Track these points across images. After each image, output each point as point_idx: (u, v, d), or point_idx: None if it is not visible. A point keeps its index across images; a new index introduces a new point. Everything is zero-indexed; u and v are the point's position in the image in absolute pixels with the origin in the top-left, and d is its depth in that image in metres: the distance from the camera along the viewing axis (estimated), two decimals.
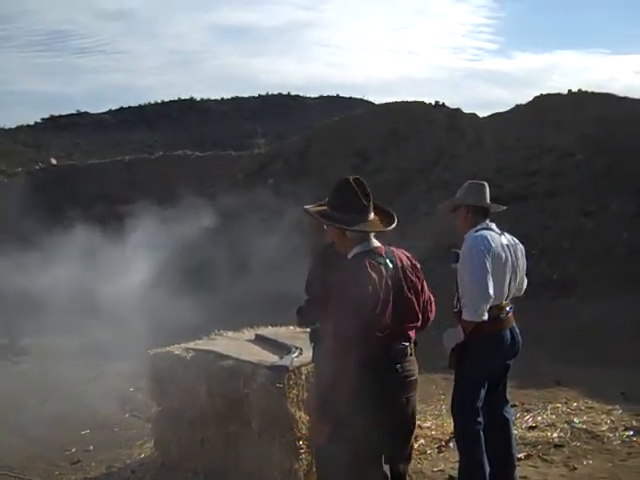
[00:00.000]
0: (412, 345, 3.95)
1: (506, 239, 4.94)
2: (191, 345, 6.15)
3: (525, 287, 5.14)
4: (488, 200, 5.04)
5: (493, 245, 4.76)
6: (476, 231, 4.89)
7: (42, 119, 56.46)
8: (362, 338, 3.53)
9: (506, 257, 4.84)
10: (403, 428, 3.98)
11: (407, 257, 4.01)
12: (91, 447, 6.75)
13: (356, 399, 3.60)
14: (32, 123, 54.37)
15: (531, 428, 6.54)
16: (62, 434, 7.07)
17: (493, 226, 4.97)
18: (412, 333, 3.95)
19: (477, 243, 4.75)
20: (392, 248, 3.98)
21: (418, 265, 4.03)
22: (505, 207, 5.14)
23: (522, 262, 5.01)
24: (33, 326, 10.71)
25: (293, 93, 61.85)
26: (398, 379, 3.83)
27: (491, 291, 4.62)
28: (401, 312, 3.77)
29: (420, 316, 3.94)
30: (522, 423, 6.68)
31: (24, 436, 7.05)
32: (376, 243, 3.87)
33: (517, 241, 5.04)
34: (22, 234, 14.14)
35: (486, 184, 5.10)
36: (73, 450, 6.69)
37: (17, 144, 42.32)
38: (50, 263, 10.94)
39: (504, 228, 5.06)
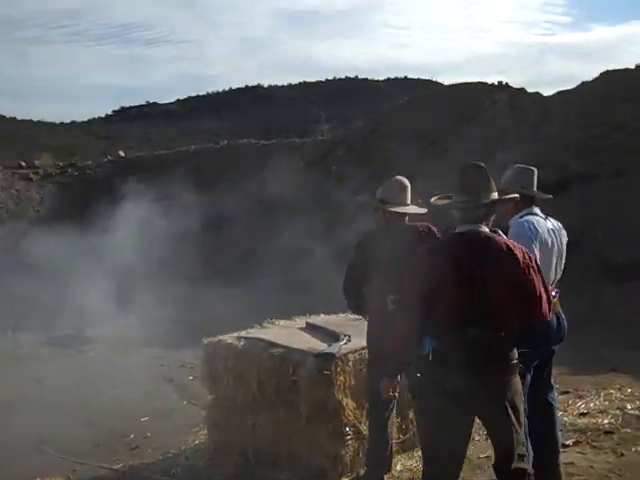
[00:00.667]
0: None
1: (551, 223, 4.89)
2: (243, 334, 6.27)
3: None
4: (535, 187, 4.97)
5: (540, 230, 4.71)
6: (521, 216, 4.84)
7: (113, 111, 57.72)
8: None
9: (552, 242, 4.79)
10: None
11: None
12: (149, 434, 6.95)
13: None
14: (103, 115, 55.64)
15: (582, 415, 6.47)
16: (123, 421, 7.31)
17: (538, 210, 4.92)
18: None
19: (524, 229, 4.70)
20: None
21: None
22: (550, 196, 5.05)
23: (565, 246, 4.94)
24: (99, 316, 11.05)
25: (361, 76, 61.63)
26: None
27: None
28: None
29: None
30: (574, 409, 6.61)
31: (88, 423, 7.32)
32: None
33: (561, 225, 4.97)
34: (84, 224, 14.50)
35: (535, 170, 5.03)
36: (132, 436, 6.91)
37: (90, 137, 43.38)
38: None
39: (548, 213, 4.99)
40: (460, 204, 3.81)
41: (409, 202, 5.17)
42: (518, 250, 3.73)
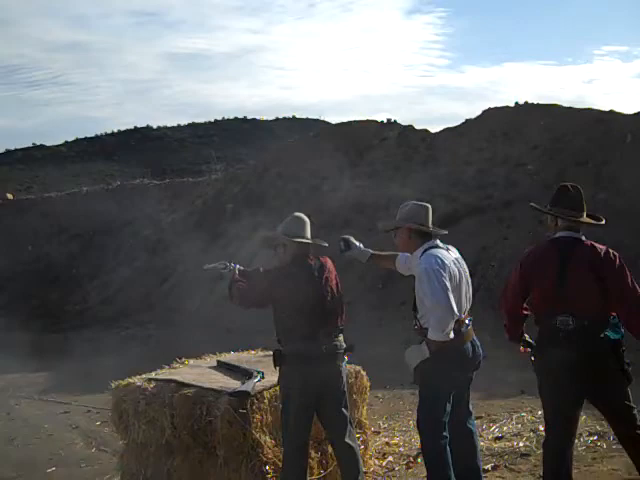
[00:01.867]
0: None
1: (454, 254, 4.99)
2: (152, 375, 6.12)
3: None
4: (431, 222, 5.08)
5: (447, 262, 4.79)
6: (424, 250, 4.92)
7: None
8: None
9: (459, 272, 4.88)
10: None
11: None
12: None
13: None
14: None
15: (497, 439, 6.59)
16: (27, 473, 6.97)
17: (439, 242, 5.01)
18: None
19: (431, 264, 4.76)
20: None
21: None
22: (446, 232, 5.17)
23: (469, 274, 5.06)
24: None
25: (250, 117, 61.92)
26: None
27: (455, 309, 4.65)
28: None
29: None
30: (488, 434, 6.74)
31: None
32: None
33: (459, 254, 5.08)
34: None
35: (429, 206, 5.10)
36: None
37: None
38: None
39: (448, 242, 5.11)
40: (566, 214, 4.79)
41: (309, 235, 5.22)
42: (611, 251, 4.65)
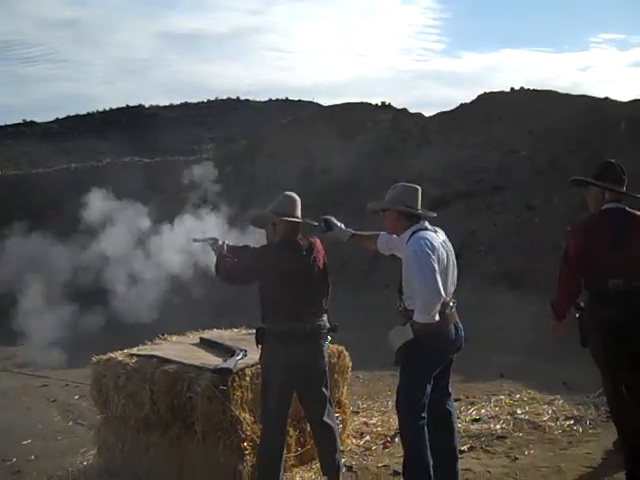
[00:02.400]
0: None
1: (442, 236, 4.98)
2: (134, 351, 6.11)
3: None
4: (419, 205, 5.06)
5: (435, 245, 4.76)
6: (413, 232, 4.90)
7: None
8: None
9: (447, 255, 4.86)
10: None
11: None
12: (32, 457, 6.61)
13: None
14: None
15: (475, 421, 6.61)
16: (4, 445, 6.92)
17: (427, 224, 4.99)
18: None
19: (421, 246, 4.74)
20: None
21: None
22: (435, 215, 5.16)
23: (454, 257, 5.06)
24: None
25: (242, 98, 61.66)
26: None
27: (442, 292, 4.65)
28: None
29: None
30: (466, 416, 6.75)
31: None
32: None
33: (445, 237, 5.07)
34: None
35: (419, 188, 5.08)
36: (14, 460, 6.54)
37: None
38: None
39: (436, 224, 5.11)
40: (613, 187, 5.11)
41: (299, 215, 5.20)
42: None
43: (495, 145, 16.10)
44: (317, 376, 5.15)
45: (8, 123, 56.53)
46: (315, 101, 50.30)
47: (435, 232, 4.94)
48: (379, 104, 20.10)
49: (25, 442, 7.02)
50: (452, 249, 5.00)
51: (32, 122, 58.27)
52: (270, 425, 5.13)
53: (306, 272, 5.02)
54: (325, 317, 5.14)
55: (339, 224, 5.49)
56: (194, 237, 5.79)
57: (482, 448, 5.90)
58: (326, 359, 5.24)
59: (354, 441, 6.27)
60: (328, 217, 5.52)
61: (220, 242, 5.48)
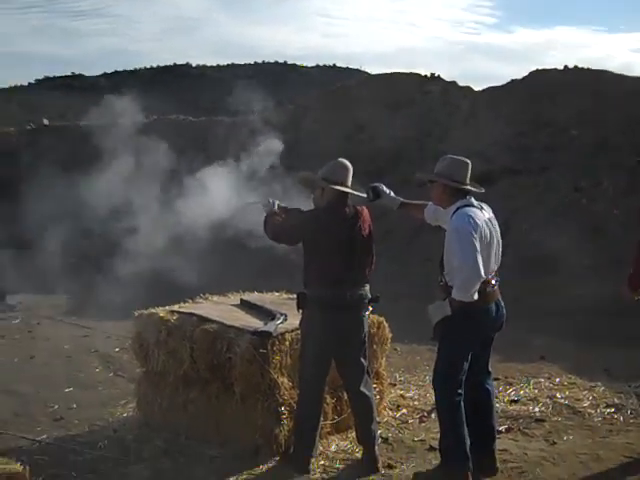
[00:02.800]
0: None
1: (487, 214, 4.91)
2: (175, 308, 6.16)
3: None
4: (468, 179, 4.98)
5: (479, 223, 4.71)
6: (457, 208, 4.84)
7: (36, 80, 55.84)
8: None
9: (490, 233, 4.81)
10: None
11: None
12: (74, 405, 6.72)
13: None
14: (26, 84, 53.80)
15: (513, 402, 6.57)
16: (46, 391, 7.08)
17: (473, 201, 4.92)
18: None
19: (464, 223, 4.70)
20: None
21: None
22: (483, 190, 5.08)
23: (500, 235, 4.98)
24: (24, 283, 10.74)
25: (290, 62, 61.23)
26: None
27: (482, 271, 4.60)
28: None
29: None
30: (504, 396, 6.71)
31: (9, 392, 7.09)
32: None
33: (492, 214, 5.00)
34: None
35: (468, 162, 5.02)
36: (56, 407, 6.67)
37: (11, 104, 41.91)
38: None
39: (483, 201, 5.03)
40: None
41: (349, 184, 5.16)
42: None
43: (544, 123, 15.80)
44: (356, 345, 5.15)
45: (57, 75, 56.79)
46: (363, 69, 49.72)
47: (481, 209, 4.88)
48: (428, 75, 19.78)
49: (67, 390, 7.16)
50: (497, 227, 4.94)
51: (80, 75, 58.48)
52: (307, 391, 5.17)
53: (350, 240, 4.99)
54: (367, 287, 5.14)
55: (388, 191, 5.44)
56: (247, 200, 5.79)
57: (520, 430, 5.86)
58: (366, 329, 5.25)
59: (390, 413, 6.27)
60: (377, 184, 5.47)
61: (272, 202, 5.49)
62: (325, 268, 4.96)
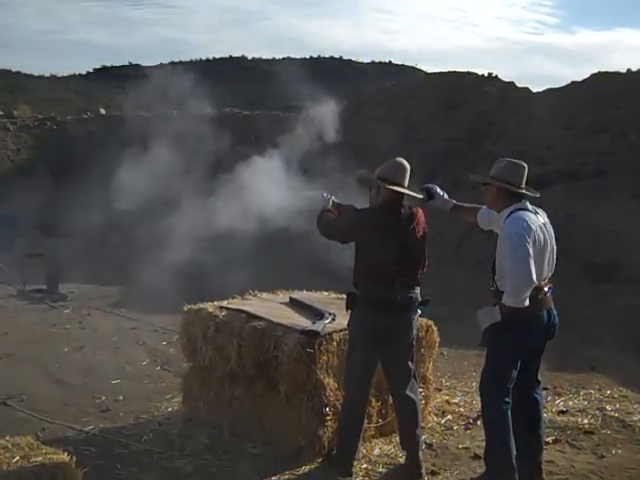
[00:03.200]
0: None
1: (542, 218, 4.83)
2: (224, 304, 6.18)
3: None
4: (524, 183, 4.90)
5: (533, 227, 4.64)
6: (511, 212, 4.77)
7: (94, 69, 56.71)
8: None
9: (544, 238, 4.73)
10: None
11: None
12: (121, 397, 6.80)
13: None
14: (84, 72, 54.65)
15: (561, 412, 6.45)
16: (94, 382, 7.18)
17: (528, 205, 4.84)
18: None
19: (517, 227, 4.63)
20: None
21: None
22: (538, 195, 4.98)
23: (554, 241, 4.89)
24: (76, 272, 10.89)
25: (345, 57, 61.13)
26: None
27: (534, 278, 4.52)
28: None
29: None
30: (552, 407, 6.59)
31: (57, 381, 7.23)
32: None
33: (547, 219, 4.91)
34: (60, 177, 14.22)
35: (525, 166, 4.94)
36: (103, 398, 6.76)
37: (68, 92, 42.63)
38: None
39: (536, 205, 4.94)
40: None
41: (406, 184, 5.11)
42: None
43: (604, 127, 15.50)
44: (404, 348, 5.11)
45: (114, 64, 57.58)
46: (418, 67, 49.45)
47: (535, 213, 4.80)
48: (485, 75, 19.55)
49: (114, 381, 7.24)
50: (552, 233, 4.85)
51: (137, 65, 59.20)
52: (352, 393, 5.14)
53: (403, 241, 4.94)
54: (418, 289, 5.08)
55: (442, 193, 5.38)
56: (302, 192, 5.78)
57: (567, 442, 5.75)
58: (414, 332, 5.19)
59: (435, 419, 6.21)
60: (431, 185, 5.42)
61: (327, 196, 5.46)
62: (377, 268, 4.92)
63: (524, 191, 4.86)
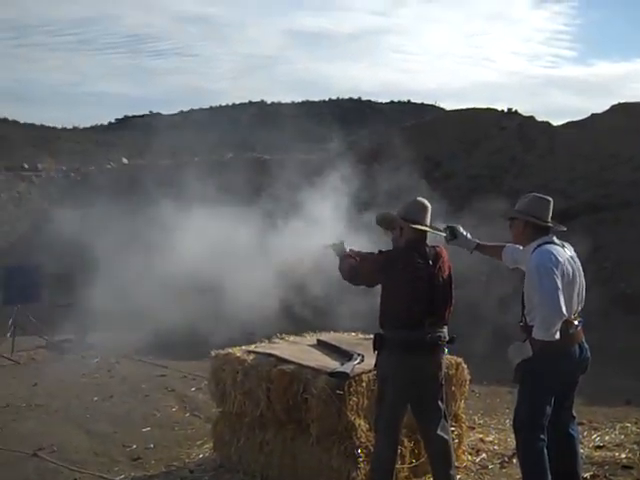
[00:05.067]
0: None
1: (569, 251, 4.79)
2: (252, 348, 6.17)
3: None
4: (550, 217, 4.88)
5: (561, 260, 4.60)
6: (538, 245, 4.74)
7: (116, 119, 57.58)
8: None
9: (573, 271, 4.68)
10: None
11: None
12: (151, 445, 6.79)
13: None
14: (106, 123, 55.50)
15: (598, 447, 6.33)
16: (124, 430, 7.18)
17: (555, 239, 4.81)
18: None
19: (545, 260, 4.59)
20: None
21: None
22: (565, 228, 4.95)
23: (583, 275, 4.84)
24: (102, 322, 10.92)
25: (364, 98, 61.56)
26: None
27: (564, 310, 4.47)
28: None
29: None
30: (589, 442, 6.48)
31: (87, 431, 7.22)
32: None
33: (574, 252, 4.86)
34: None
35: (551, 200, 4.92)
36: (134, 447, 6.75)
37: (91, 143, 43.26)
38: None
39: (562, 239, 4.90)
40: None
41: (428, 223, 5.10)
42: None
43: (626, 158, 15.46)
44: (433, 389, 5.04)
45: (135, 114, 58.45)
46: (437, 105, 49.66)
47: (563, 247, 4.77)
48: (505, 110, 19.60)
49: (144, 429, 7.24)
50: (580, 266, 4.80)
51: (158, 114, 60.04)
52: (383, 435, 5.06)
53: (430, 281, 4.91)
54: (445, 328, 5.03)
55: (465, 233, 5.36)
56: (324, 244, 5.76)
57: (605, 477, 5.62)
58: (443, 371, 5.13)
59: (470, 458, 6.11)
60: (454, 225, 5.40)
61: (344, 245, 5.46)
62: (403, 309, 4.88)
63: (550, 224, 4.84)
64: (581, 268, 4.79)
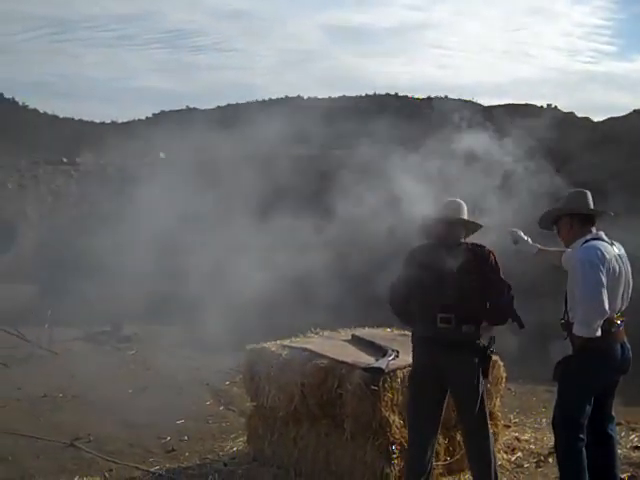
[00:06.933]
0: None
1: (617, 249, 4.70)
2: (287, 342, 6.16)
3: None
4: (592, 206, 4.80)
5: (607, 257, 4.52)
6: (585, 241, 4.66)
7: (153, 114, 57.94)
8: None
9: (620, 269, 4.60)
10: None
11: None
12: (186, 437, 6.85)
13: None
14: (143, 118, 55.89)
15: (636, 448, 6.25)
16: (159, 422, 7.21)
17: (603, 235, 4.72)
18: None
19: (590, 255, 4.52)
20: None
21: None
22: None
23: (630, 273, 4.74)
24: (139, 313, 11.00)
25: (401, 94, 61.35)
26: None
27: (607, 306, 4.39)
28: None
29: None
30: (627, 442, 6.39)
31: (123, 422, 7.26)
32: None
33: (624, 251, 4.77)
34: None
35: (588, 192, 4.86)
36: (168, 439, 6.81)
37: (129, 138, 43.67)
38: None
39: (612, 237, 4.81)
40: None
41: (464, 216, 5.04)
42: None
43: None
44: (465, 390, 4.82)
45: (173, 109, 58.79)
46: (475, 100, 49.25)
47: (612, 245, 4.68)
48: (544, 106, 19.40)
49: (179, 422, 7.28)
50: (629, 266, 4.70)
51: (195, 109, 60.32)
52: (412, 432, 4.97)
53: (445, 276, 4.73)
54: (473, 327, 4.76)
55: (525, 237, 5.31)
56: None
57: None
58: (477, 371, 4.80)
59: (505, 456, 6.04)
60: (515, 230, 5.35)
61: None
62: (418, 303, 4.85)
63: (594, 210, 4.77)
64: (629, 268, 4.70)
